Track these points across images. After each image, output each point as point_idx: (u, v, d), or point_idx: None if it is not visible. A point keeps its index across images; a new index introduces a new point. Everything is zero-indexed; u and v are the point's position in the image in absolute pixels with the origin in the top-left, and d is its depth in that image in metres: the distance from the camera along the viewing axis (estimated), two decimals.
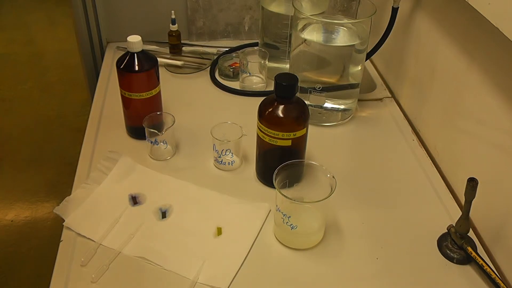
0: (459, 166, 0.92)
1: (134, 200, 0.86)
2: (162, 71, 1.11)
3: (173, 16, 1.26)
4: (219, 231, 0.81)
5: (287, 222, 0.76)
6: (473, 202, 0.74)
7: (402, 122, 1.10)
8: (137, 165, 0.93)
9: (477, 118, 0.86)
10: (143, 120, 0.93)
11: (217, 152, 0.92)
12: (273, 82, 0.82)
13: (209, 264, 0.75)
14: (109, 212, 0.83)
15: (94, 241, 0.78)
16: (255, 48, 1.23)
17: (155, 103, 0.98)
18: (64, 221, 0.82)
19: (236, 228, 0.81)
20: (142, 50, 0.93)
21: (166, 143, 0.96)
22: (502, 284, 0.71)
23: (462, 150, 0.91)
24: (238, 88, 1.19)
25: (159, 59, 0.98)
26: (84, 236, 0.79)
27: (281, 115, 0.83)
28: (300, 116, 0.84)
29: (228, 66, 1.22)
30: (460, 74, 0.90)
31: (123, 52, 0.95)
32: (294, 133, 0.83)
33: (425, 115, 1.05)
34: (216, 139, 0.91)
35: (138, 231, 0.80)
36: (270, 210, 0.85)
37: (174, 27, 1.27)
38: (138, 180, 0.90)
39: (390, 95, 1.19)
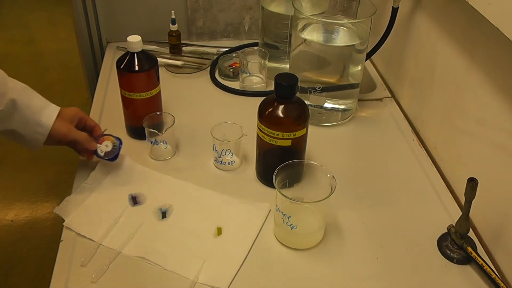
0: (459, 166, 0.92)
1: (134, 200, 0.86)
2: (162, 71, 1.11)
3: (173, 16, 1.26)
4: (219, 231, 0.81)
5: (287, 222, 0.76)
6: (473, 202, 0.74)
7: (402, 122, 1.10)
8: (137, 165, 0.93)
9: (477, 118, 0.86)
10: (143, 120, 0.93)
11: (217, 152, 0.92)
12: (273, 82, 0.82)
13: (209, 264, 0.75)
14: (109, 212, 0.83)
15: (94, 241, 0.78)
16: (255, 48, 1.23)
17: (155, 103, 0.98)
18: (64, 221, 0.82)
19: (236, 228, 0.81)
20: (142, 50, 0.93)
21: (166, 143, 0.96)
22: (502, 284, 0.71)
23: (462, 150, 0.91)
24: (238, 88, 1.19)
25: (159, 59, 0.98)
26: (84, 236, 0.79)
27: (281, 115, 0.83)
28: (300, 116, 0.84)
29: (228, 66, 1.22)
30: (460, 74, 0.90)
31: (123, 52, 0.95)
32: (294, 133, 0.83)
33: (425, 115, 1.05)
34: (216, 139, 0.91)
35: (138, 231, 0.80)
36: (270, 210, 0.85)
37: (174, 27, 1.27)
38: (138, 180, 0.90)
39: (390, 95, 1.19)
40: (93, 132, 0.90)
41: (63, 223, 0.81)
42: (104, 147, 0.87)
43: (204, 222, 0.82)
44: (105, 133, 0.90)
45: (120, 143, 0.89)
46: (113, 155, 0.88)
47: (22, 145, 0.85)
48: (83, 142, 0.86)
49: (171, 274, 0.74)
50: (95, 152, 0.88)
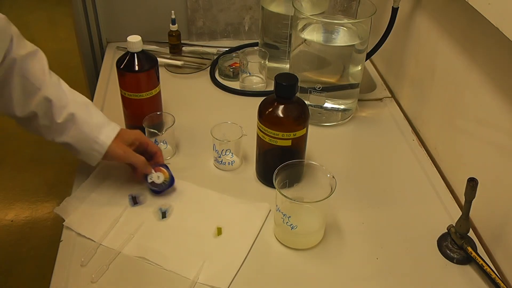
0: (459, 166, 0.92)
1: (134, 200, 0.86)
2: (162, 71, 1.11)
3: (173, 16, 1.26)
4: (219, 231, 0.81)
5: (287, 222, 0.76)
6: (473, 202, 0.74)
7: (402, 122, 1.10)
8: None
9: (477, 118, 0.86)
10: (143, 120, 0.93)
11: (217, 152, 0.92)
12: (273, 82, 0.82)
13: (209, 264, 0.75)
14: (109, 212, 0.83)
15: (94, 241, 0.78)
16: (255, 48, 1.23)
17: (155, 103, 0.98)
18: (64, 221, 0.81)
19: (236, 228, 0.81)
20: (142, 50, 0.93)
21: (166, 143, 0.96)
22: (502, 284, 0.71)
23: (462, 150, 0.91)
24: (238, 88, 1.19)
25: (159, 59, 0.98)
26: (84, 236, 0.79)
27: (281, 115, 0.83)
28: (300, 116, 0.84)
29: (228, 66, 1.22)
30: (460, 74, 0.90)
31: (123, 52, 0.95)
32: (294, 133, 0.83)
33: (425, 115, 1.05)
34: (216, 139, 0.91)
35: (138, 231, 0.80)
36: (270, 210, 0.85)
37: (174, 27, 1.27)
38: (138, 181, 0.90)
39: (390, 95, 1.19)
40: (154, 158, 0.89)
41: (63, 223, 0.81)
42: (156, 177, 0.86)
43: (204, 222, 0.82)
44: (166, 164, 0.89)
45: (171, 183, 0.87)
46: (159, 189, 0.87)
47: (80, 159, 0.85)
48: (139, 166, 0.85)
49: (171, 274, 0.74)
50: (145, 176, 0.87)
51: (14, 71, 0.77)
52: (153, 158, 0.89)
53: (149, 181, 0.86)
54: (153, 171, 0.86)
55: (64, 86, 0.82)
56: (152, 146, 0.89)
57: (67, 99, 0.81)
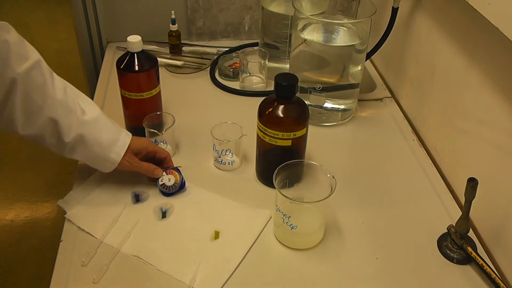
0: (459, 166, 0.92)
1: (137, 198, 0.86)
2: (162, 71, 1.11)
3: (173, 16, 1.26)
4: (216, 235, 0.80)
5: (287, 222, 0.76)
6: (473, 202, 0.74)
7: (402, 122, 1.10)
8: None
9: (477, 118, 0.86)
10: (143, 120, 0.93)
11: (217, 152, 0.92)
12: (273, 82, 0.82)
13: (202, 268, 0.74)
14: (110, 208, 0.84)
15: (94, 237, 0.78)
16: (255, 48, 1.23)
17: (155, 103, 0.98)
18: (64, 222, 0.82)
19: (234, 234, 0.81)
20: (142, 50, 0.93)
21: (166, 143, 0.96)
22: (502, 284, 0.71)
23: (462, 150, 0.91)
24: (238, 88, 1.19)
25: (159, 59, 0.98)
26: (83, 230, 0.80)
27: (281, 115, 0.83)
28: (300, 116, 0.84)
29: (228, 66, 1.22)
30: (460, 74, 0.90)
31: (123, 52, 0.95)
32: (294, 133, 0.83)
33: (425, 115, 1.05)
34: (216, 139, 0.91)
35: (135, 230, 0.80)
36: (270, 217, 0.84)
37: (174, 27, 1.27)
38: (142, 179, 0.90)
39: (390, 95, 1.19)
40: (164, 163, 0.89)
41: (65, 215, 0.82)
42: (167, 180, 0.86)
43: (203, 224, 0.82)
44: (178, 167, 0.89)
45: (182, 186, 0.87)
46: (169, 192, 0.87)
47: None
48: (147, 173, 0.86)
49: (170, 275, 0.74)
50: (156, 178, 0.87)
51: (15, 90, 0.73)
52: (163, 164, 0.89)
53: (160, 182, 0.87)
54: (164, 173, 0.87)
55: (70, 95, 0.79)
56: (161, 152, 0.89)
57: (75, 116, 0.78)
